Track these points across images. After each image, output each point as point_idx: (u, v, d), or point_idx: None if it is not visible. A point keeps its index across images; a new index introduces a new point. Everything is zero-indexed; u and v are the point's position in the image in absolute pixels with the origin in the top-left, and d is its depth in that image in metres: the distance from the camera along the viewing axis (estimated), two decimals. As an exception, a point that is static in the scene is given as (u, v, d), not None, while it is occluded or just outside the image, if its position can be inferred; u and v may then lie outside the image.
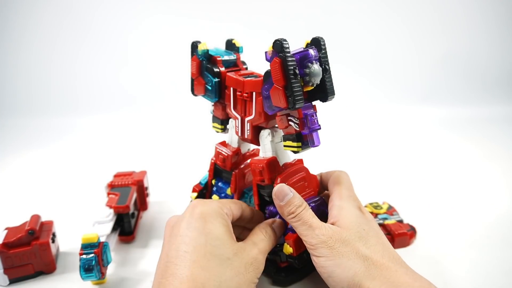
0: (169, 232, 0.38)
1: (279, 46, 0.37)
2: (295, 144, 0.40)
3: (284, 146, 0.41)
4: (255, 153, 0.53)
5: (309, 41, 0.40)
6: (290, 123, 0.40)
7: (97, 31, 1.32)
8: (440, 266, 0.48)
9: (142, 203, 0.65)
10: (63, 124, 1.22)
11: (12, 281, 0.48)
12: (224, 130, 0.51)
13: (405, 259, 0.38)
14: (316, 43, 0.39)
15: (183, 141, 1.05)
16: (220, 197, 0.52)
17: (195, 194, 0.53)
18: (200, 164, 0.64)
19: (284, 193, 0.40)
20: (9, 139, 1.13)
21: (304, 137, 0.40)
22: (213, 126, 0.52)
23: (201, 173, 0.56)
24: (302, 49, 0.39)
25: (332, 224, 0.40)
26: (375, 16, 1.33)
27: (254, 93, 0.43)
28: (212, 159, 0.53)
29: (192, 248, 0.33)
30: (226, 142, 0.52)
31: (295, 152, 0.40)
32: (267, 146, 0.45)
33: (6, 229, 0.50)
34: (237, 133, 0.48)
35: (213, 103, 0.50)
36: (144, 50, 1.35)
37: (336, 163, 0.87)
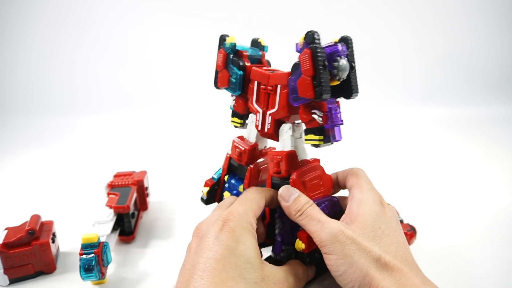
0: (198, 242, 0.36)
1: (311, 38, 0.38)
2: (316, 137, 0.40)
3: (306, 140, 0.41)
4: (271, 150, 0.52)
5: (337, 39, 0.40)
6: (314, 116, 0.40)
7: (97, 31, 1.32)
8: (440, 266, 0.48)
9: (142, 203, 0.65)
10: (63, 124, 1.22)
11: (12, 281, 0.48)
12: (243, 125, 0.51)
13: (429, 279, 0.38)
14: (345, 41, 0.40)
15: (183, 141, 1.05)
16: (232, 194, 0.51)
17: (207, 188, 0.52)
18: (200, 163, 0.64)
19: (290, 193, 0.40)
20: (9, 139, 1.13)
21: (326, 131, 0.40)
22: (232, 121, 0.51)
23: (201, 172, 0.56)
24: (333, 43, 0.39)
25: (349, 218, 0.39)
26: (375, 16, 1.33)
27: (279, 86, 0.44)
28: (227, 154, 0.52)
29: (221, 267, 0.33)
30: (244, 137, 0.51)
31: (315, 145, 0.41)
32: (286, 140, 0.45)
33: (6, 229, 0.49)
34: (257, 127, 0.48)
35: (234, 98, 0.50)
36: (144, 50, 1.35)
37: (337, 163, 0.87)
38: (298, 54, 0.39)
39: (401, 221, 0.55)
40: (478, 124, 1.16)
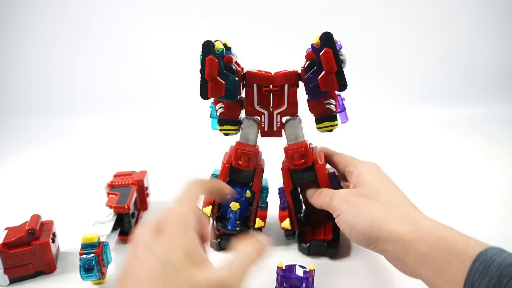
0: (132, 250, 0.34)
1: (331, 39, 0.42)
2: (332, 123, 0.47)
3: (319, 128, 0.48)
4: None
5: (319, 36, 0.44)
6: (330, 106, 0.46)
7: (96, 31, 1.32)
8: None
9: (142, 203, 0.65)
10: (63, 124, 1.22)
11: (12, 281, 0.48)
12: (238, 130, 0.50)
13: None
14: (329, 37, 0.43)
15: (183, 140, 1.05)
16: (240, 202, 0.50)
17: (209, 208, 0.51)
18: (201, 163, 0.64)
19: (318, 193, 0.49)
20: (9, 139, 1.13)
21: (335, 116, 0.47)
22: (222, 130, 0.49)
23: (201, 172, 0.56)
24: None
25: (353, 185, 0.45)
26: (375, 16, 1.33)
27: (286, 86, 0.46)
28: (224, 164, 0.50)
29: (149, 277, 0.30)
30: (242, 142, 0.50)
31: (330, 131, 0.48)
32: (299, 132, 0.48)
33: (6, 229, 0.50)
34: (262, 128, 0.49)
35: (221, 106, 0.48)
36: (144, 50, 1.35)
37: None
38: (313, 53, 0.44)
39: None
40: (478, 124, 1.16)
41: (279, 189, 0.53)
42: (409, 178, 0.78)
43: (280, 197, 0.53)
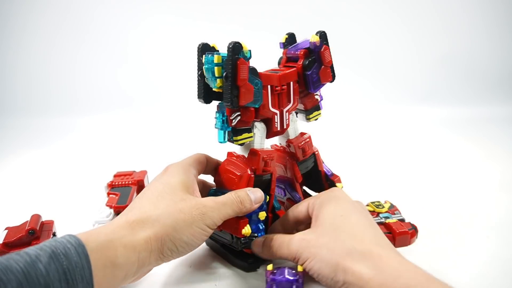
0: (148, 185, 0.45)
1: (326, 36, 0.48)
2: (319, 112, 0.53)
3: (311, 118, 0.52)
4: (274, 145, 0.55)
5: (286, 36, 0.51)
6: (318, 97, 0.52)
7: (96, 31, 1.32)
8: (440, 265, 0.48)
9: (142, 203, 0.64)
10: (63, 124, 1.22)
11: (12, 281, 0.48)
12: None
13: (406, 258, 0.38)
14: (326, 35, 0.48)
15: (183, 140, 1.05)
16: (265, 209, 0.47)
17: (248, 228, 0.44)
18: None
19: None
20: (9, 139, 1.13)
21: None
22: (239, 139, 0.45)
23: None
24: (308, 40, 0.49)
25: (312, 224, 0.43)
26: (375, 16, 1.33)
27: (291, 83, 0.48)
28: (246, 176, 0.45)
29: (150, 192, 0.41)
30: (257, 148, 0.47)
31: (317, 119, 0.53)
32: (297, 126, 0.52)
33: (6, 229, 0.49)
34: (275, 128, 0.48)
35: (238, 113, 0.44)
36: (144, 50, 1.35)
37: (338, 163, 0.87)
38: (308, 50, 0.49)
39: (403, 220, 0.55)
40: (478, 124, 1.16)
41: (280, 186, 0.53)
42: (410, 178, 0.78)
43: (289, 194, 0.53)
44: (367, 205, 0.59)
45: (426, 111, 1.26)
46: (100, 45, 1.33)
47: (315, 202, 0.45)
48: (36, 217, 0.51)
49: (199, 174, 0.48)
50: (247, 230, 0.44)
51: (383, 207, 0.58)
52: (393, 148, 0.98)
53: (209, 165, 0.49)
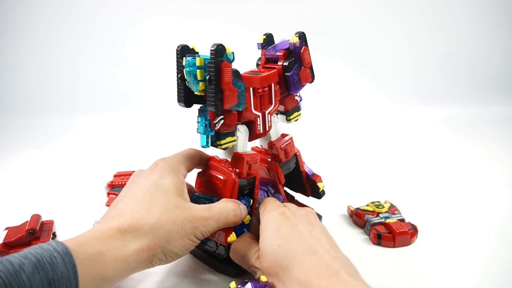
0: (132, 180, 0.43)
1: (305, 37, 0.47)
2: (299, 112, 0.52)
3: (292, 119, 0.52)
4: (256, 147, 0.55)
5: (264, 36, 0.51)
6: (297, 98, 0.52)
7: (95, 31, 1.32)
8: (441, 265, 0.48)
9: (142, 203, 0.64)
10: (62, 124, 1.22)
11: (12, 281, 0.48)
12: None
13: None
14: (305, 36, 0.48)
15: (183, 140, 1.05)
16: (249, 213, 0.46)
17: (233, 236, 0.44)
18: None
19: None
20: (9, 139, 1.13)
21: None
22: (223, 143, 0.44)
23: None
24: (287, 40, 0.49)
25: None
26: (376, 16, 1.33)
27: (272, 85, 0.47)
28: (232, 180, 0.45)
29: (141, 193, 0.39)
30: (242, 152, 0.47)
31: (297, 120, 0.52)
32: (279, 127, 0.52)
33: (6, 229, 0.49)
34: (258, 131, 0.47)
35: (221, 117, 0.43)
36: (144, 50, 1.35)
37: (338, 163, 0.87)
38: (288, 52, 0.48)
39: (403, 220, 0.55)
40: (478, 124, 1.16)
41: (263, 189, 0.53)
42: (410, 178, 0.78)
43: (272, 196, 0.52)
44: (367, 205, 0.59)
45: (426, 111, 1.26)
46: (100, 45, 1.33)
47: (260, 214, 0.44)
48: (36, 217, 0.51)
49: (189, 171, 0.47)
50: (232, 237, 0.44)
51: (383, 207, 0.58)
52: (393, 148, 0.98)
53: (202, 161, 0.49)
